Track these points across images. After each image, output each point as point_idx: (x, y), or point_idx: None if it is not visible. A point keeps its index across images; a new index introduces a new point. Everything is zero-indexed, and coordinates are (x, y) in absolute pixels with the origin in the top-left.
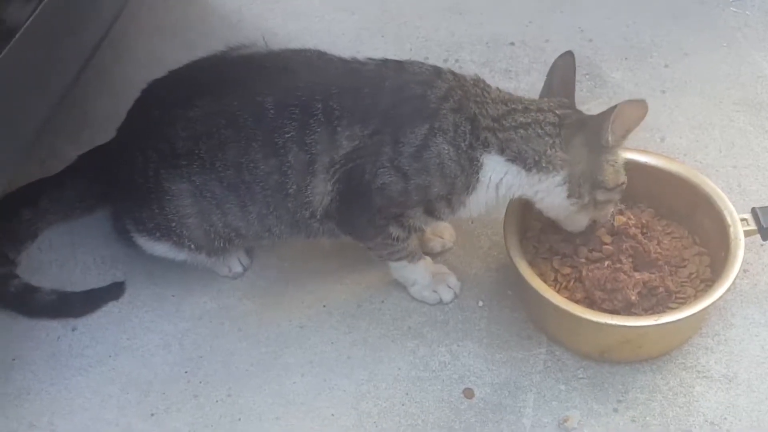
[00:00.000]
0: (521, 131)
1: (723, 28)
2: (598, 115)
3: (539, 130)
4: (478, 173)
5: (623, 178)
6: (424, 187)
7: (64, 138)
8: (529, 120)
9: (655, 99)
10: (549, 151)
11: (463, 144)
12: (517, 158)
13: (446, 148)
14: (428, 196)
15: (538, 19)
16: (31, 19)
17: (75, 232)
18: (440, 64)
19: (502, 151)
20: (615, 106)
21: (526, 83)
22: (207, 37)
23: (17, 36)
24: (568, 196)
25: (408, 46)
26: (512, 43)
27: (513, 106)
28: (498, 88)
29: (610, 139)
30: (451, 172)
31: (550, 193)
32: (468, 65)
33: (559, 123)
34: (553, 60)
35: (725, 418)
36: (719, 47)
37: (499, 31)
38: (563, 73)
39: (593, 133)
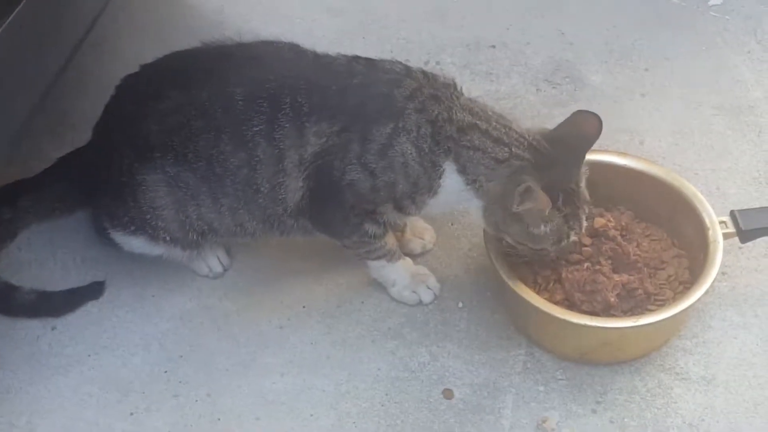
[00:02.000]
0: (471, 152)
1: (703, 32)
2: (515, 178)
3: (482, 159)
4: (440, 178)
5: (542, 245)
6: (390, 184)
7: (46, 139)
8: (480, 146)
9: (635, 102)
10: (481, 178)
11: (424, 146)
12: (462, 171)
13: (409, 148)
14: (395, 193)
15: (519, 22)
16: (10, 17)
17: (55, 232)
18: (420, 66)
19: (455, 160)
20: (524, 181)
21: (507, 86)
22: (188, 37)
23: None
24: (486, 224)
25: (389, 48)
26: (493, 46)
27: (477, 121)
28: (469, 98)
29: (512, 207)
30: (414, 172)
31: (476, 213)
32: (449, 68)
33: (504, 161)
34: (533, 63)
35: (703, 420)
36: (699, 51)
37: (480, 34)
38: (575, 131)
39: (511, 191)
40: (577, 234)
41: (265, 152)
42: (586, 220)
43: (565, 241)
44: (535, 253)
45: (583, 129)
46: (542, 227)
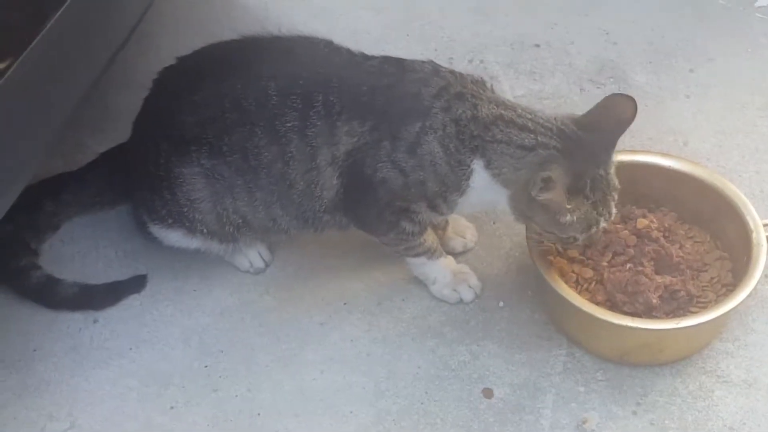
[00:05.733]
0: (496, 145)
1: (748, 33)
2: (541, 167)
3: (507, 150)
4: (468, 179)
5: (569, 233)
6: (421, 182)
7: (88, 132)
8: (505, 138)
9: (679, 103)
10: (507, 169)
11: (451, 145)
12: (488, 165)
13: (436, 147)
14: (426, 192)
15: (563, 21)
16: (59, 13)
17: (98, 225)
18: (464, 64)
19: (482, 157)
20: (548, 170)
21: (551, 85)
22: (231, 32)
23: (45, 30)
24: (512, 212)
25: (433, 46)
26: (537, 45)
27: (503, 111)
28: (493, 90)
29: (532, 193)
30: (442, 170)
31: (503, 202)
32: (492, 66)
33: (531, 148)
34: (578, 62)
35: (744, 423)
36: (744, 52)
37: (524, 32)
38: (608, 114)
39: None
40: (607, 221)
41: (298, 148)
42: (617, 193)
43: (595, 228)
44: (563, 241)
45: (617, 113)
46: (568, 216)
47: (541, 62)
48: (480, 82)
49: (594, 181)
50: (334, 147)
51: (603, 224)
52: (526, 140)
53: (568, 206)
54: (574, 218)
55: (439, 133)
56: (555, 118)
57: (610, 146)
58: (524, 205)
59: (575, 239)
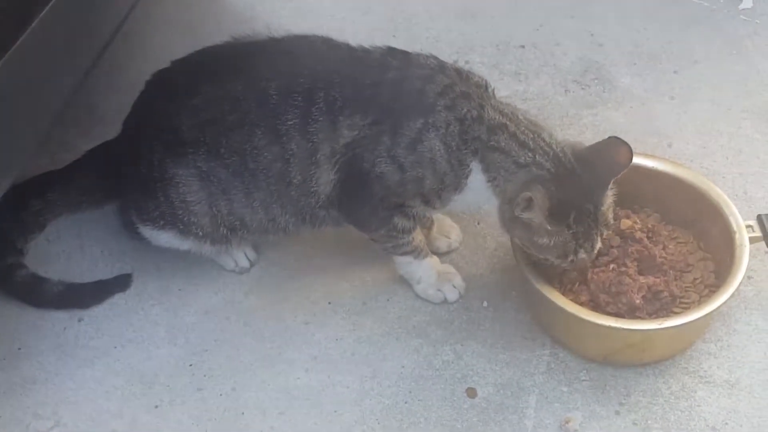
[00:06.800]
0: (496, 153)
1: (732, 36)
2: (528, 185)
3: (504, 162)
4: (467, 178)
5: (544, 255)
6: (418, 179)
7: (75, 132)
8: (506, 149)
9: (664, 105)
10: (500, 178)
11: (452, 144)
12: (486, 170)
13: (437, 144)
14: (422, 188)
15: (549, 22)
16: (44, 11)
17: (83, 224)
18: None
19: (481, 161)
20: (532, 191)
21: (536, 86)
22: (219, 33)
23: (30, 28)
24: (499, 221)
25: (419, 47)
26: (522, 46)
27: (507, 122)
28: (498, 100)
29: (515, 211)
30: (441, 169)
31: (495, 210)
32: (478, 67)
33: (525, 165)
34: (563, 64)
35: (726, 424)
36: (728, 55)
37: (510, 34)
38: (606, 155)
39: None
40: (588, 253)
41: (299, 146)
42: (608, 230)
43: (573, 257)
44: (539, 260)
45: (614, 156)
46: (545, 239)
47: (526, 63)
48: (483, 86)
49: (579, 213)
50: (334, 141)
51: (582, 255)
52: (522, 158)
53: (549, 228)
54: (551, 243)
55: (441, 131)
56: (557, 143)
57: (602, 185)
58: (508, 218)
59: (551, 262)
